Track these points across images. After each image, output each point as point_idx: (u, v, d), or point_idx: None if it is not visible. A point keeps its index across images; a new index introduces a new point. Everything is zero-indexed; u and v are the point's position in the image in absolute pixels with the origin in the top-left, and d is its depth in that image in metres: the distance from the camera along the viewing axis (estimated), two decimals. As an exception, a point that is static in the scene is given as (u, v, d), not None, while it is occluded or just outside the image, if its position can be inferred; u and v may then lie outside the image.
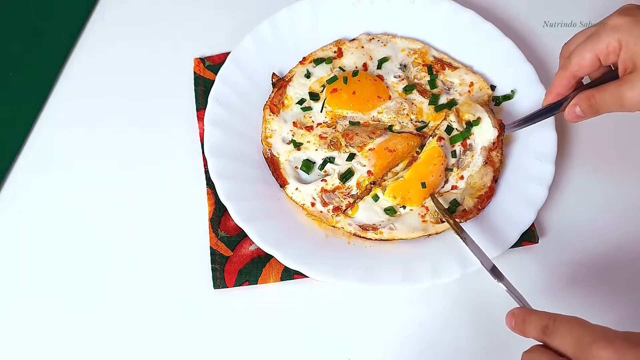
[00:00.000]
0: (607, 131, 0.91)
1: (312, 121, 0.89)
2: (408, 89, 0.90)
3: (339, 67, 0.92)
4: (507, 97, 0.90)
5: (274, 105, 0.89)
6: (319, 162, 0.87)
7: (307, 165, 0.86)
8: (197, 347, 0.80)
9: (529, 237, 0.83)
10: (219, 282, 0.82)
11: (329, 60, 0.92)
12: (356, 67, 0.92)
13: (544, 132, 0.85)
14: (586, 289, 0.83)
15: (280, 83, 0.91)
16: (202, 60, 0.95)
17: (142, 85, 0.95)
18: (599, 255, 0.84)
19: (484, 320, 0.81)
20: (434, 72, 0.92)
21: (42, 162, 0.91)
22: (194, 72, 0.94)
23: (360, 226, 0.83)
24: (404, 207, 0.84)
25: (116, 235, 0.86)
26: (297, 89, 0.90)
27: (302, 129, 0.88)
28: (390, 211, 0.83)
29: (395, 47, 0.94)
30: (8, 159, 0.90)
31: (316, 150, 0.87)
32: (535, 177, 0.83)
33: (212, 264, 0.83)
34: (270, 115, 0.89)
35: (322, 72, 0.92)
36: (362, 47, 0.93)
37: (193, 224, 0.86)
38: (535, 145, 0.86)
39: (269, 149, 0.88)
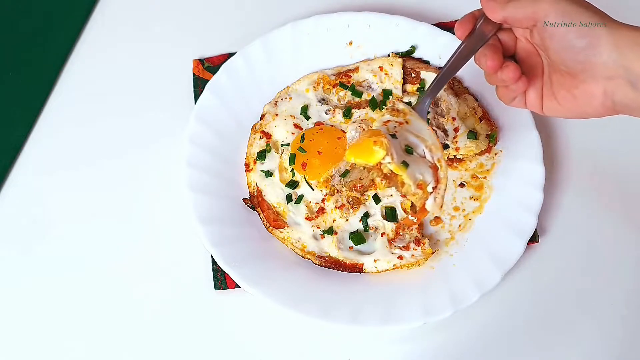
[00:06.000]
0: (606, 130, 0.91)
1: (316, 204, 0.86)
2: (346, 113, 0.89)
3: (279, 145, 0.88)
4: (409, 52, 0.92)
5: (276, 222, 0.86)
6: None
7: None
8: (198, 348, 0.81)
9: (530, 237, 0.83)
10: (220, 283, 0.83)
11: (267, 150, 0.88)
12: (292, 134, 0.88)
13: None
14: (589, 285, 0.84)
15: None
16: (201, 61, 0.95)
17: (142, 85, 0.95)
18: (599, 253, 0.85)
19: (484, 319, 0.82)
20: (346, 84, 0.91)
21: (42, 162, 0.91)
22: (193, 74, 0.94)
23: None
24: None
25: (117, 237, 0.86)
26: (273, 191, 0.87)
27: (318, 218, 0.85)
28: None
29: (299, 92, 0.91)
30: (8, 159, 0.90)
31: (347, 220, 0.85)
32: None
33: (213, 265, 0.83)
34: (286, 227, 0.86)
35: (273, 162, 0.88)
36: (277, 115, 0.89)
37: (194, 225, 0.86)
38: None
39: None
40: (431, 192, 0.72)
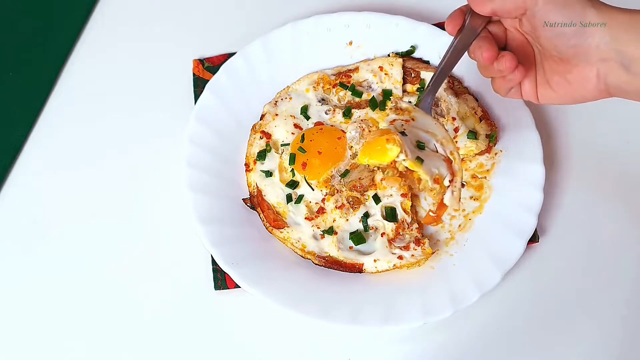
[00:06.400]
0: (606, 131, 0.91)
1: (316, 204, 0.86)
2: (346, 113, 0.89)
3: (279, 145, 0.88)
4: (409, 52, 0.92)
5: (276, 222, 0.86)
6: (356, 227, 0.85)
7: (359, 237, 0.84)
8: (198, 348, 0.81)
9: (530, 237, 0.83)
10: (220, 283, 0.83)
11: (267, 150, 0.88)
12: (292, 134, 0.88)
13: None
14: (589, 285, 0.84)
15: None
16: (201, 61, 0.95)
17: (142, 85, 0.95)
18: (599, 253, 0.85)
19: (484, 319, 0.82)
20: (346, 84, 0.91)
21: (42, 162, 0.91)
22: (193, 74, 0.94)
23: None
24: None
25: (117, 237, 0.86)
26: (273, 191, 0.87)
27: (318, 218, 0.85)
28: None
29: (299, 92, 0.91)
30: (8, 159, 0.90)
31: (347, 220, 0.84)
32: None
33: (213, 265, 0.83)
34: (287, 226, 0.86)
35: (273, 162, 0.87)
36: (277, 115, 0.89)
37: (194, 225, 0.86)
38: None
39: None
40: (448, 186, 0.72)
